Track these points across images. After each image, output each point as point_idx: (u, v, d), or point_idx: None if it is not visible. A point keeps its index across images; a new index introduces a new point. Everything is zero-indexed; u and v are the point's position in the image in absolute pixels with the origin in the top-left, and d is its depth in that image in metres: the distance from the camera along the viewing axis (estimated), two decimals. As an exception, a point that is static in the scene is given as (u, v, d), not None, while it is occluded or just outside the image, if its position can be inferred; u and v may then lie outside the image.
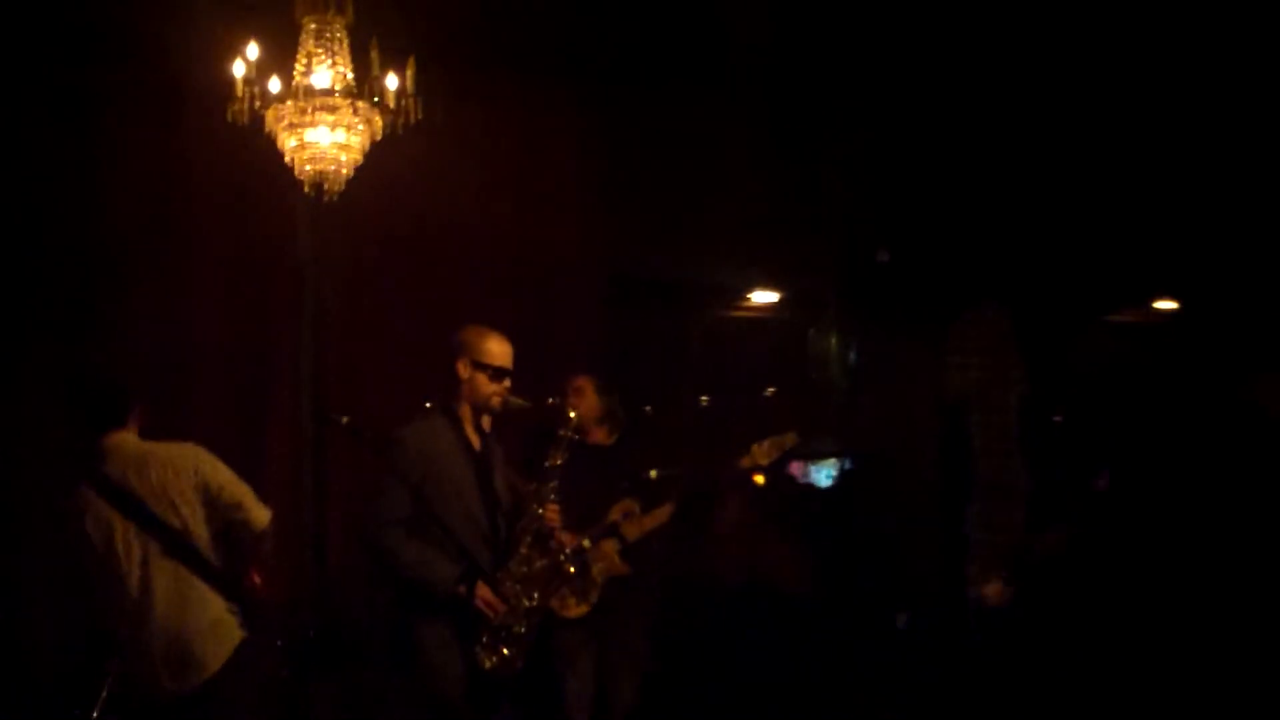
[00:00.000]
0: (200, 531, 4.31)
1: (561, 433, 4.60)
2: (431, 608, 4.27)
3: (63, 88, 6.19)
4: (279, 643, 5.18)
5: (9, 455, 5.87)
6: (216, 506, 4.34)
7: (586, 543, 5.22)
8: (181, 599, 4.26)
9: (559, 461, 4.55)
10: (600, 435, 5.45)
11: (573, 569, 4.77)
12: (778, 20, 6.49)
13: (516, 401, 4.56)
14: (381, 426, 4.54)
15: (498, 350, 4.49)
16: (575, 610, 5.32)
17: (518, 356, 4.59)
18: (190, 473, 4.32)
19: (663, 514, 5.34)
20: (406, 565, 4.27)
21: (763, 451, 5.37)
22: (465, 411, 4.49)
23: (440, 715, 4.32)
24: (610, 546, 5.29)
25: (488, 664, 4.31)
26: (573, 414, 4.66)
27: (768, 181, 7.38)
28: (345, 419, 4.30)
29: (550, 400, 4.86)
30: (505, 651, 4.33)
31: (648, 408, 6.86)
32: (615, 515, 5.30)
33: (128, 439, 4.39)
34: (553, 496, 4.52)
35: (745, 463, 5.39)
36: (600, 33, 6.66)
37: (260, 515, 4.39)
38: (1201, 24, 6.21)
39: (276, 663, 5.15)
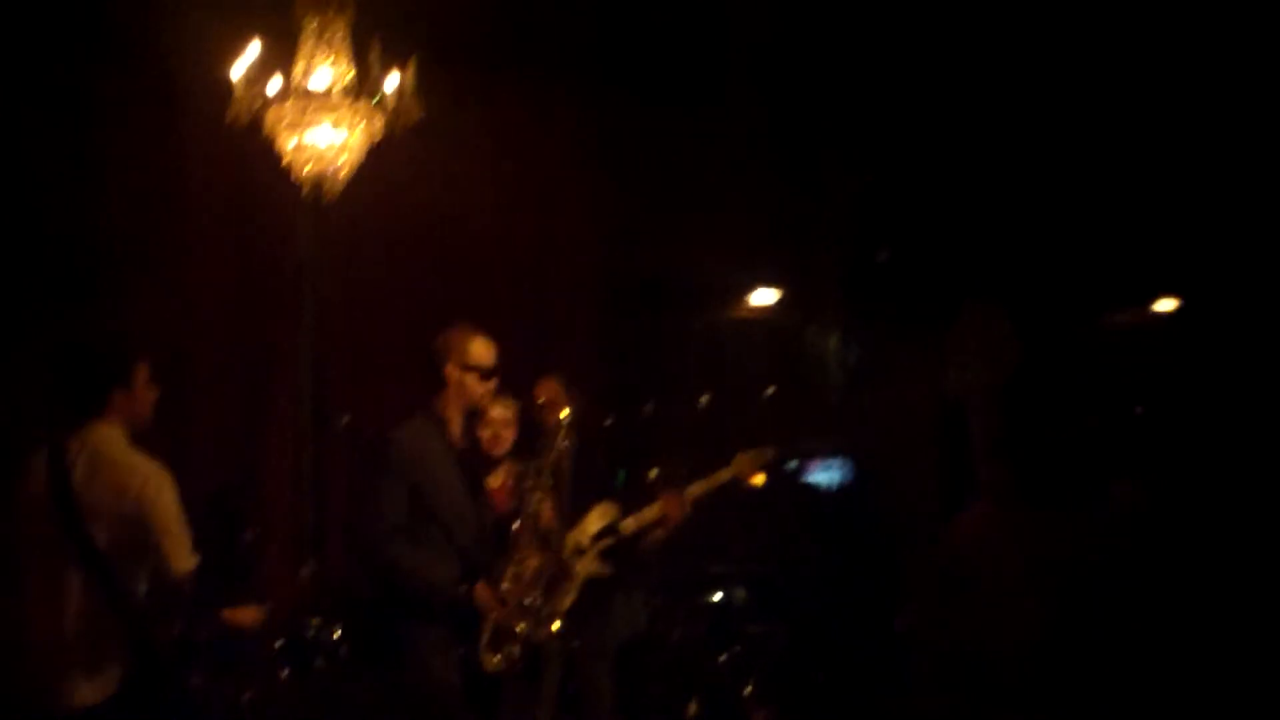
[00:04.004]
0: (114, 554, 3.91)
1: (554, 432, 4.56)
2: (427, 612, 4.25)
3: (62, 88, 6.20)
4: (278, 643, 5.17)
5: (8, 456, 5.87)
6: (140, 540, 3.92)
7: (585, 543, 5.20)
8: (76, 614, 3.89)
9: (552, 460, 4.52)
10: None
11: (579, 567, 4.76)
12: (777, 22, 6.50)
13: (506, 401, 4.55)
14: (381, 426, 4.54)
15: (484, 351, 4.45)
16: None
17: (518, 356, 4.59)
18: (132, 493, 3.91)
19: (653, 513, 5.30)
20: (408, 574, 4.25)
21: (746, 461, 5.34)
22: (451, 413, 4.47)
23: (439, 717, 4.31)
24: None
25: (491, 665, 4.29)
26: (565, 412, 4.61)
27: (768, 181, 7.38)
28: (345, 419, 4.28)
29: (540, 400, 4.82)
30: (507, 651, 4.32)
31: (648, 407, 6.84)
32: (594, 518, 5.26)
33: (103, 432, 3.99)
34: (547, 495, 4.50)
35: (727, 474, 5.34)
36: (600, 34, 6.66)
37: (178, 562, 3.95)
38: (1200, 24, 6.21)
39: (275, 663, 5.14)
